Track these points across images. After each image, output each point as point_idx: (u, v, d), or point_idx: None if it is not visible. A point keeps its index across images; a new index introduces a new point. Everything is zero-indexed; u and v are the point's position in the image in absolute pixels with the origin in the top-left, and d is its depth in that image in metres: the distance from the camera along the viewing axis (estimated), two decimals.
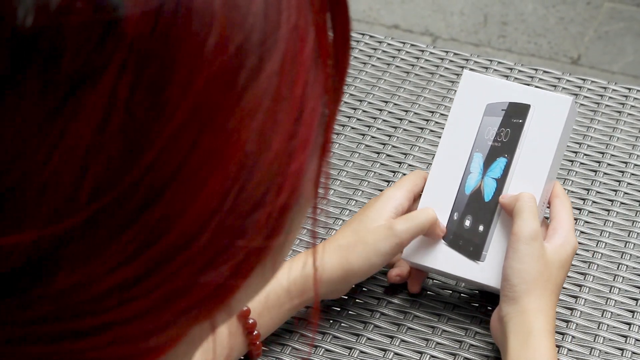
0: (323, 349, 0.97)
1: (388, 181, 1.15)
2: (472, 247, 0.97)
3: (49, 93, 0.32)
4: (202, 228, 0.35)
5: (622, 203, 1.13)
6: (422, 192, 1.00)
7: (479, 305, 1.02)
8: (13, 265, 0.33)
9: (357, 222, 0.97)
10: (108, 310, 0.35)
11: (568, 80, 1.30)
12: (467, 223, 0.98)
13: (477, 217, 0.98)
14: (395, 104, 1.26)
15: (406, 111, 1.25)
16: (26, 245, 0.33)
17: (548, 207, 0.98)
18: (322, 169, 0.39)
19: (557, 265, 0.93)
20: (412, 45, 1.36)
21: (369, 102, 1.26)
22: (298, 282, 0.93)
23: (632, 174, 1.17)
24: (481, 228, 0.97)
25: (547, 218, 0.99)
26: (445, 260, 0.98)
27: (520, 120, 0.98)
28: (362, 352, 0.97)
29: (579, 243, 1.08)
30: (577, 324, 1.00)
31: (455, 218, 0.98)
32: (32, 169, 0.32)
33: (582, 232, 1.10)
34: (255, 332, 0.92)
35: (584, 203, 1.13)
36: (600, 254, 1.08)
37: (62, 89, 0.32)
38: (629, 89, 1.29)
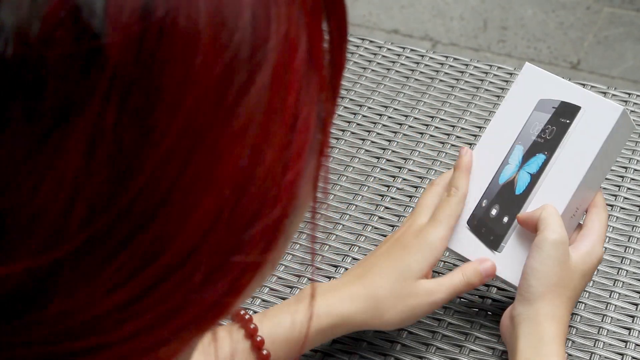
0: (323, 353, 0.97)
1: (388, 186, 1.15)
2: (492, 237, 0.97)
3: (34, 124, 0.31)
4: (196, 247, 0.34)
5: (622, 208, 1.13)
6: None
7: (480, 310, 1.02)
8: (6, 293, 0.32)
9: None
10: (104, 331, 0.34)
11: None
12: (494, 212, 0.98)
13: (504, 208, 0.97)
14: (395, 109, 1.26)
15: (406, 116, 1.25)
16: (18, 274, 0.32)
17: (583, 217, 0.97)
18: (321, 169, 0.38)
19: (579, 274, 0.91)
20: (412, 50, 1.36)
21: (369, 107, 1.26)
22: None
23: (632, 179, 1.17)
24: (506, 219, 0.97)
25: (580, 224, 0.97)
26: (464, 244, 0.97)
27: (568, 121, 0.97)
28: (362, 356, 0.97)
29: None
30: (577, 329, 1.00)
31: (484, 205, 0.98)
32: (20, 201, 0.31)
33: None
34: (259, 337, 0.88)
35: None
36: None
37: (46, 120, 0.31)
38: (629, 93, 1.29)
